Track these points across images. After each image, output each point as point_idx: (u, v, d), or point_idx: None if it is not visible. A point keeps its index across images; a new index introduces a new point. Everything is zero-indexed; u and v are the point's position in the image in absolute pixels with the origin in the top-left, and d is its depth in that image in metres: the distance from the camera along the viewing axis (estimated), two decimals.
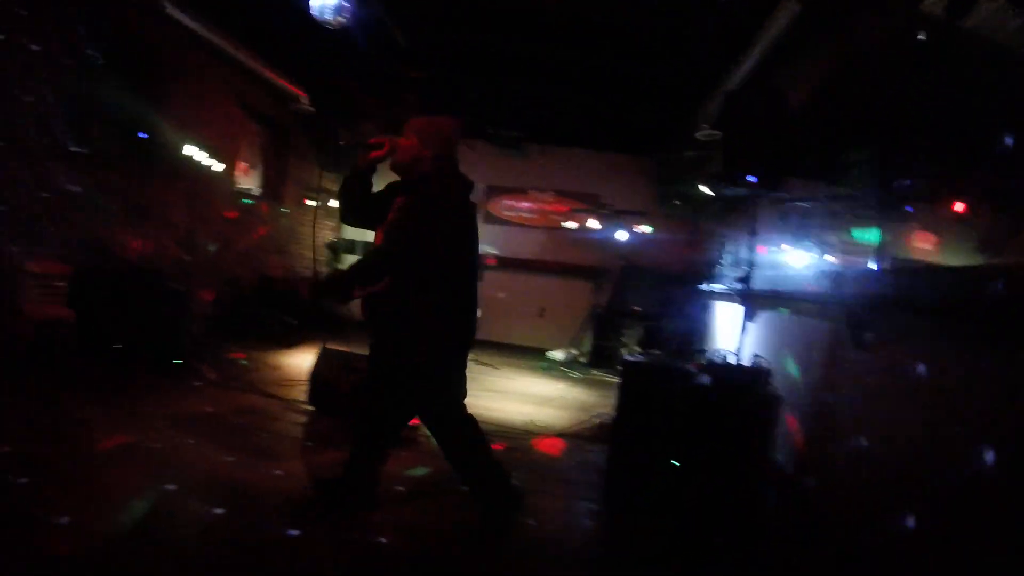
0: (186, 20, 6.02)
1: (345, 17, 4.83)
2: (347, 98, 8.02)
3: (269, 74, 7.67)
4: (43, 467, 2.99)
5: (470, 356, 3.03)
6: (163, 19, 5.81)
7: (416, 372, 2.80)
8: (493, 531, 3.07)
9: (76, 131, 5.53)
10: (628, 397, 3.98)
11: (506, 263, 9.60)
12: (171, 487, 2.99)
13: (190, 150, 6.39)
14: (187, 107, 6.80)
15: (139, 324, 5.39)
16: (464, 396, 3.05)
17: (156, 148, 6.28)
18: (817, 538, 3.38)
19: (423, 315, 2.72)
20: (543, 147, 10.01)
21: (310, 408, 4.68)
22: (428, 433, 3.13)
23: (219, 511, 2.81)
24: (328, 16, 4.81)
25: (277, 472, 3.43)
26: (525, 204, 10.32)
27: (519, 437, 4.66)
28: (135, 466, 3.25)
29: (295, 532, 2.73)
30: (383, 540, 2.84)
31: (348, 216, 3.05)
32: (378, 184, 3.02)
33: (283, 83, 8.00)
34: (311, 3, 4.80)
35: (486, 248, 9.63)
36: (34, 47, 4.80)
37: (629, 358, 4.29)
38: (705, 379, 3.87)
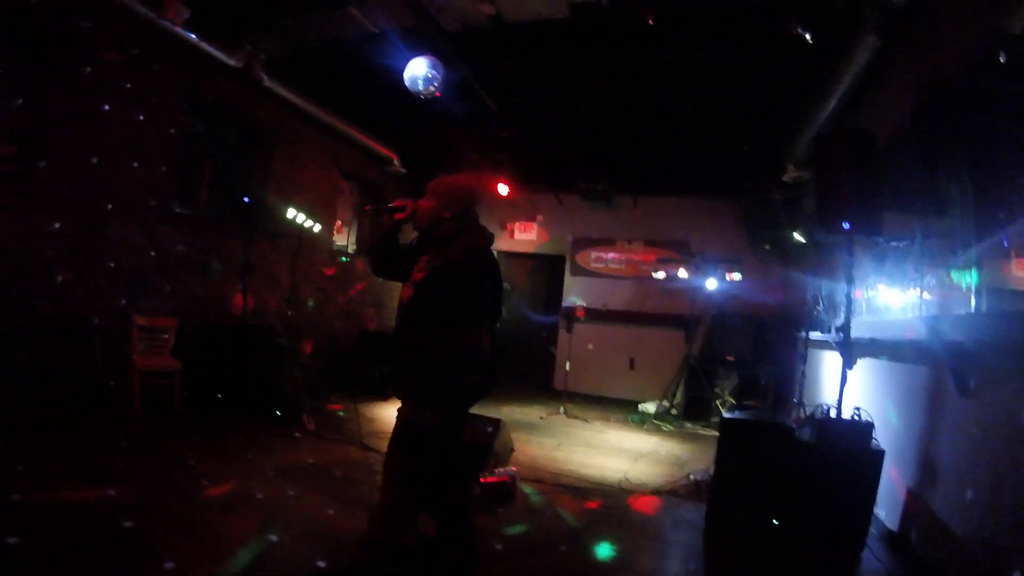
0: (284, 92, 6.47)
1: (435, 87, 5.08)
2: (437, 159, 8.33)
3: (363, 139, 8.10)
4: (149, 512, 3.16)
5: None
6: (262, 91, 6.26)
7: (433, 425, 2.68)
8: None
9: (182, 195, 6.02)
10: (727, 455, 3.90)
11: (595, 315, 9.54)
12: (273, 537, 3.11)
13: (291, 212, 6.77)
14: (288, 172, 7.30)
15: (242, 376, 5.71)
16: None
17: (259, 210, 6.70)
18: None
19: (443, 368, 2.67)
20: (630, 196, 10.00)
21: None
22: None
23: (320, 564, 2.90)
24: (420, 87, 5.08)
25: None
26: (612, 255, 10.28)
27: (614, 495, 4.57)
28: (238, 514, 3.40)
29: None
30: None
31: (379, 271, 3.17)
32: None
33: (376, 146, 8.43)
34: (404, 75, 5.08)
35: (574, 300, 9.65)
36: (139, 117, 5.29)
37: (728, 415, 4.20)
38: (806, 435, 3.74)
